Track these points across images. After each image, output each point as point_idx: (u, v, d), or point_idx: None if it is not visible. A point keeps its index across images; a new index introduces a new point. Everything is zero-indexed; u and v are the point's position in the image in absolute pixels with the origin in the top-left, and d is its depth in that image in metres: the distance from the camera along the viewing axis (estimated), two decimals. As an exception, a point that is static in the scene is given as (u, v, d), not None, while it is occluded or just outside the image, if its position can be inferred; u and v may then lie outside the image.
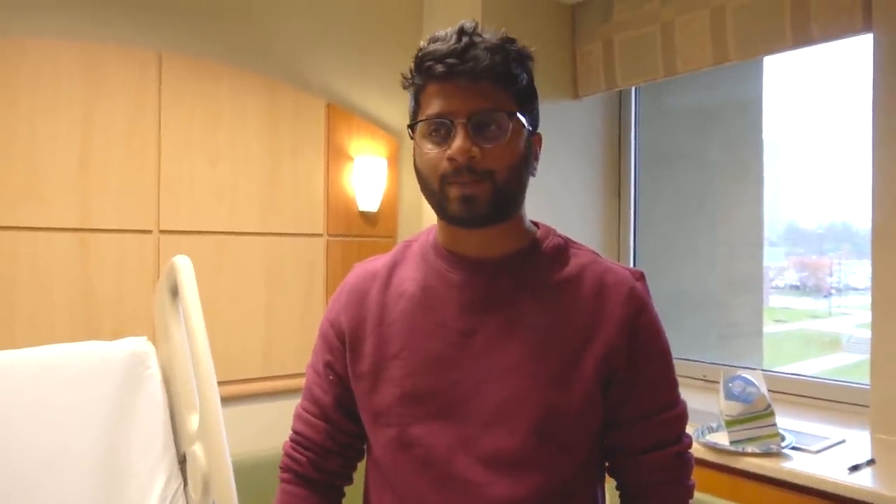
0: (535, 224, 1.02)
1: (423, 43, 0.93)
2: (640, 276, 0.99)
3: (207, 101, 2.23)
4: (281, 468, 1.07)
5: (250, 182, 2.32)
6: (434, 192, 0.91)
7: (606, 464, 1.03)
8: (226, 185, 2.27)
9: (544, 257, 0.97)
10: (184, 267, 1.61)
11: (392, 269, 1.02)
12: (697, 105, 3.03)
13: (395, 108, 2.69)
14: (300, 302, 2.42)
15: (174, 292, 1.69)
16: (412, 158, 0.99)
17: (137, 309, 2.09)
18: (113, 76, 2.06)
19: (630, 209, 2.96)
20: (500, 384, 0.91)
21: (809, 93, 2.70)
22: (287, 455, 1.07)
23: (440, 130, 0.90)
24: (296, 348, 2.39)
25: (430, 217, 2.65)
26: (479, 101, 0.88)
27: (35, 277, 1.95)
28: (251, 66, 2.34)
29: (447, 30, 0.91)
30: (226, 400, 1.72)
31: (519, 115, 0.92)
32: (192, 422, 1.62)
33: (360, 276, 1.04)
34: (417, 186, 0.96)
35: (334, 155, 2.50)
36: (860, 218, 2.48)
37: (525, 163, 0.93)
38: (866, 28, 1.96)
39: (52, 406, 1.61)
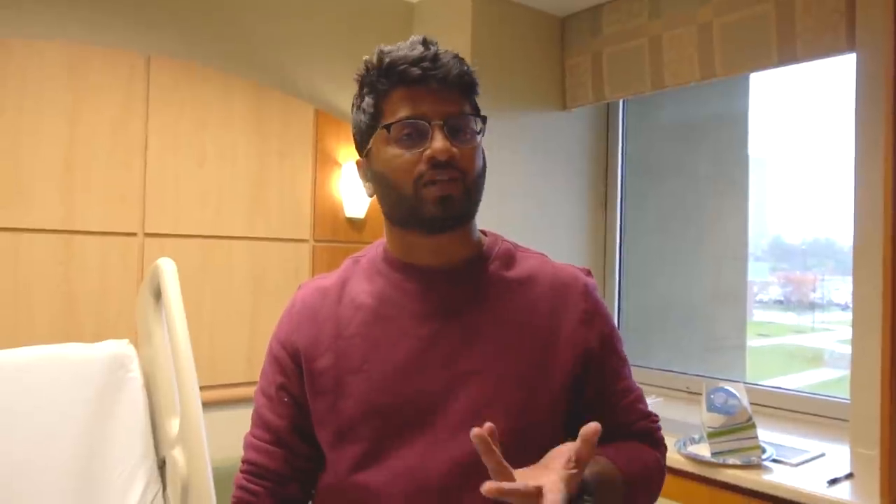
0: (483, 232, 1.03)
1: (369, 56, 0.93)
2: (589, 272, 1.02)
3: (195, 104, 2.22)
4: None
5: (237, 186, 2.31)
6: (406, 197, 0.90)
7: None
8: (212, 188, 2.26)
9: (496, 262, 0.99)
10: (167, 270, 1.61)
11: (342, 284, 1.01)
12: (684, 119, 3.06)
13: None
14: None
15: (157, 295, 1.69)
16: (359, 169, 0.99)
17: (120, 311, 2.07)
18: (100, 78, 2.05)
19: (616, 220, 2.98)
20: (466, 389, 0.91)
21: (795, 109, 2.74)
22: (240, 488, 0.99)
23: (413, 134, 0.89)
24: (280, 354, 2.38)
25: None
26: (451, 105, 0.91)
27: (16, 278, 1.93)
28: (240, 70, 2.34)
29: (400, 43, 0.93)
30: (208, 405, 1.71)
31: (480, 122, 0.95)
32: (173, 426, 1.61)
33: (308, 294, 1.02)
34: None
35: (322, 160, 2.51)
36: (844, 234, 2.51)
37: (485, 169, 0.96)
38: (850, 47, 1.99)
39: (28, 408, 1.59)
